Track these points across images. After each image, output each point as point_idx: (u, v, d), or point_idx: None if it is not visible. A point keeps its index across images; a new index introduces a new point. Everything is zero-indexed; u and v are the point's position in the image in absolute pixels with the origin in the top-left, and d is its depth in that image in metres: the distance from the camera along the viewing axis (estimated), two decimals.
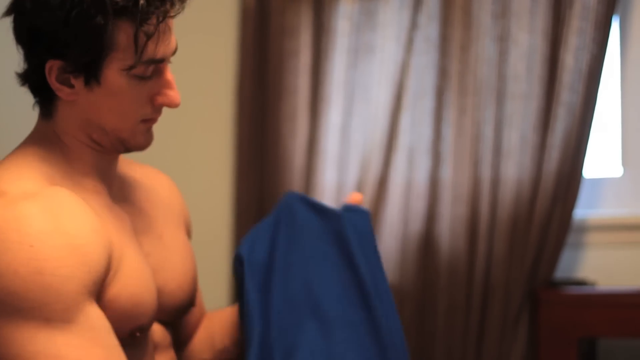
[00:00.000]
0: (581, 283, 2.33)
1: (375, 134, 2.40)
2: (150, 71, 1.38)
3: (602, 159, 2.45)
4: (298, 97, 2.43)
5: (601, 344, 2.33)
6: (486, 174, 2.33)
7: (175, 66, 1.46)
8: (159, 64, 1.38)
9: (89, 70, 1.34)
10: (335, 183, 2.43)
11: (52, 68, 1.34)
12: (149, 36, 1.34)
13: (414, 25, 2.38)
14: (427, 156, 2.37)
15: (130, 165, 1.60)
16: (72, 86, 1.36)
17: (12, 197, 1.30)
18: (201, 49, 2.52)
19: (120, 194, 1.51)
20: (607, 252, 2.38)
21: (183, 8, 1.38)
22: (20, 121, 1.55)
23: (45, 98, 1.40)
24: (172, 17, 1.38)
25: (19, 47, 1.38)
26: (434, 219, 2.37)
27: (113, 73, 1.35)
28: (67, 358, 1.24)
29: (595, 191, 2.42)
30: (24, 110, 1.51)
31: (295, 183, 2.46)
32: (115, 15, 1.31)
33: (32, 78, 1.38)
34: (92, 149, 1.43)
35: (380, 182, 2.40)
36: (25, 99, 1.45)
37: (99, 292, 1.32)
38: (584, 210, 2.38)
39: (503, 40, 2.32)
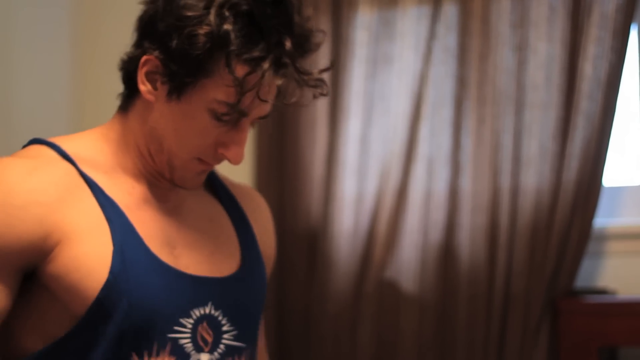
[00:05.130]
0: (601, 292, 2.32)
1: (395, 144, 2.40)
2: (231, 118, 1.37)
3: (621, 167, 2.45)
4: (317, 107, 2.44)
5: (621, 353, 2.32)
6: (505, 183, 2.32)
7: None
8: (242, 116, 1.37)
9: (177, 84, 1.35)
10: (355, 193, 2.43)
11: (148, 62, 1.37)
12: (252, 87, 1.33)
13: (432, 35, 2.38)
14: (447, 166, 2.37)
15: (233, 188, 1.61)
16: (155, 88, 1.38)
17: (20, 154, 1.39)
18: None
19: (181, 208, 1.48)
20: (627, 260, 2.37)
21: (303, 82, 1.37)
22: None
23: (129, 89, 1.43)
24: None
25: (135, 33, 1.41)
26: (453, 228, 2.36)
27: (196, 99, 1.36)
28: None
29: (614, 200, 2.42)
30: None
31: (314, 193, 2.46)
32: (237, 54, 1.32)
33: (129, 65, 1.41)
34: (145, 161, 1.44)
35: (400, 192, 2.40)
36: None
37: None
38: (603, 219, 2.37)
39: (521, 49, 2.32)
